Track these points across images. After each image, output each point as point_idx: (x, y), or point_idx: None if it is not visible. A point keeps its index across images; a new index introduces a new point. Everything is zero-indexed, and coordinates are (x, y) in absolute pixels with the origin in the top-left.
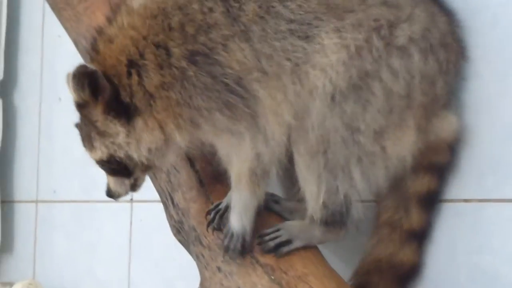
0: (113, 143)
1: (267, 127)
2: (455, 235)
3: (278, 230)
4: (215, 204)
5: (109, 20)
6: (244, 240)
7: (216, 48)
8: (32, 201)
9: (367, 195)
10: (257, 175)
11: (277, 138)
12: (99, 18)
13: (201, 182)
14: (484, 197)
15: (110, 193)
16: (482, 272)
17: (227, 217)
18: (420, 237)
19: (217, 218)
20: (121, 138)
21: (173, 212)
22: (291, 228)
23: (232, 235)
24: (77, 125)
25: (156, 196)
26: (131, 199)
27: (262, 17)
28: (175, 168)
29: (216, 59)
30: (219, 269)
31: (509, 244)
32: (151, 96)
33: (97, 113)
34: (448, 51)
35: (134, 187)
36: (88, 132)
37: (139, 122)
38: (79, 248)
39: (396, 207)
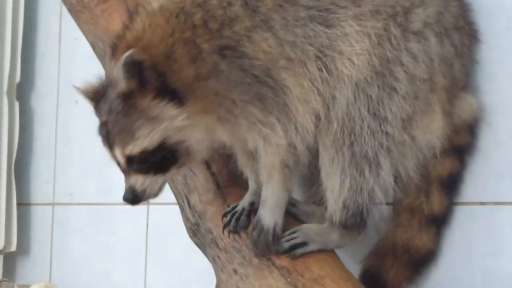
0: (167, 127)
1: (297, 116)
2: (470, 237)
3: (294, 232)
4: (231, 206)
5: (127, 26)
6: (274, 233)
7: (242, 40)
8: (48, 204)
9: (393, 193)
10: (289, 168)
11: (306, 126)
12: (116, 21)
13: (217, 185)
14: (500, 199)
15: (137, 195)
16: (497, 275)
17: (244, 220)
18: (439, 223)
19: (234, 221)
20: (178, 120)
21: (189, 214)
22: (307, 230)
23: (262, 228)
24: (104, 124)
25: (173, 199)
26: (148, 201)
27: (280, 5)
28: (191, 171)
29: (243, 52)
30: (235, 271)
31: None
32: (191, 86)
33: (146, 101)
34: (462, 33)
35: (160, 189)
36: (130, 123)
37: (190, 107)
38: (95, 250)
39: (418, 192)
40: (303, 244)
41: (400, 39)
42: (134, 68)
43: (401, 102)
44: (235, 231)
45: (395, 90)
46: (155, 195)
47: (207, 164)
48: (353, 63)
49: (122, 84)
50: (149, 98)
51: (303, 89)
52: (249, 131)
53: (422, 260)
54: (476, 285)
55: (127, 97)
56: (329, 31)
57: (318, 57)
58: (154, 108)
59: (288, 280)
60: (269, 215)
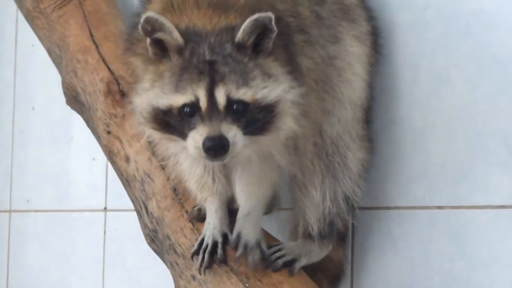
0: (284, 91)
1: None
2: (428, 241)
3: (279, 250)
4: (198, 242)
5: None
6: (261, 250)
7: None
8: (5, 211)
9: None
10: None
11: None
12: (73, 26)
13: (175, 191)
14: (457, 204)
15: (225, 145)
16: (455, 278)
17: (221, 253)
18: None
19: (207, 256)
20: (295, 93)
21: (147, 221)
22: (291, 246)
23: (246, 245)
24: (210, 62)
25: (130, 205)
26: (105, 208)
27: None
28: (149, 177)
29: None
30: (193, 277)
31: (481, 250)
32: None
33: (268, 60)
34: None
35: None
36: (244, 70)
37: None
38: (53, 258)
39: None
40: (294, 261)
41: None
42: (262, 29)
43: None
44: (210, 266)
45: None
46: (231, 156)
47: (164, 170)
48: (354, 83)
49: (245, 36)
50: (271, 59)
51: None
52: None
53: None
54: (436, 287)
55: (243, 47)
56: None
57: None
58: (272, 68)
59: (247, 286)
60: (253, 230)
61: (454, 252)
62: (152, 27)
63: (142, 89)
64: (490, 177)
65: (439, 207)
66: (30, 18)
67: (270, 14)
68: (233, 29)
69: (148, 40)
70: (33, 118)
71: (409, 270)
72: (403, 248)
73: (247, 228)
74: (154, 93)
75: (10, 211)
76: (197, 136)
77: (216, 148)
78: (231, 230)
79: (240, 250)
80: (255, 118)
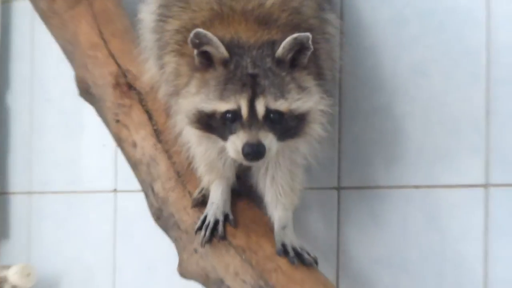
0: (315, 103)
1: None
2: (406, 218)
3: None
4: (201, 220)
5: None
6: (305, 249)
7: None
8: (25, 192)
9: None
10: None
11: None
12: (83, 25)
13: (178, 173)
14: (432, 183)
15: (261, 151)
16: (430, 250)
17: (222, 230)
18: None
19: (209, 233)
20: (325, 104)
21: (153, 200)
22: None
23: (297, 250)
24: (253, 75)
25: (138, 187)
26: (115, 189)
27: None
28: (154, 160)
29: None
30: (195, 250)
31: (453, 225)
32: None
33: (302, 74)
34: None
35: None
36: (281, 83)
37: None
38: (68, 235)
39: None
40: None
41: None
42: (300, 46)
43: None
44: (211, 241)
45: None
46: (266, 159)
47: (168, 154)
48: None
49: (285, 52)
50: (305, 73)
51: None
52: None
53: None
54: (412, 261)
55: (282, 62)
56: None
57: None
58: (306, 81)
59: (243, 257)
60: (294, 238)
61: (429, 226)
62: (200, 41)
63: (188, 92)
64: (462, 159)
65: (416, 187)
66: (45, 18)
67: (308, 34)
68: (273, 44)
69: (195, 51)
70: (49, 108)
71: (389, 244)
72: (383, 224)
73: (289, 238)
74: (200, 98)
75: (30, 193)
76: (237, 141)
77: (254, 153)
78: (232, 211)
79: (292, 254)
80: (289, 126)
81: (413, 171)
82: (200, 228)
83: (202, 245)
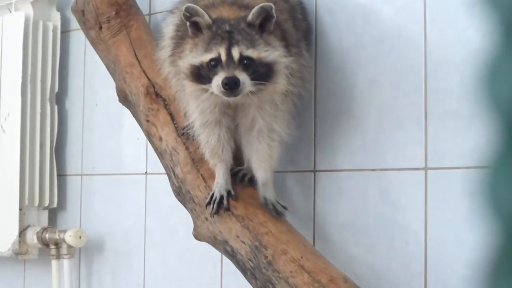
0: (279, 55)
1: None
2: (365, 194)
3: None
4: (210, 195)
5: None
6: (279, 203)
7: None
8: (78, 175)
9: None
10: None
11: None
12: (123, 49)
13: (193, 160)
14: (385, 167)
15: (237, 82)
16: (383, 218)
17: (226, 204)
18: None
19: (216, 205)
20: (287, 59)
21: (174, 180)
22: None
23: (272, 203)
24: (229, 31)
25: (163, 170)
26: (146, 172)
27: None
28: (175, 150)
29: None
30: (206, 219)
31: (401, 199)
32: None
33: (270, 36)
34: None
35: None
36: (252, 38)
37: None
38: (111, 206)
39: None
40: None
41: None
42: (266, 14)
43: None
44: (218, 212)
45: None
46: (242, 93)
47: (186, 146)
48: None
49: (254, 18)
50: (272, 35)
51: None
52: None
53: None
54: (370, 225)
55: (252, 25)
56: None
57: None
58: (272, 40)
59: (243, 224)
60: (272, 193)
61: (383, 200)
62: (190, 13)
63: (184, 55)
64: (407, 148)
65: (373, 170)
66: (94, 44)
67: (271, 4)
68: (246, 17)
69: (187, 23)
70: (97, 111)
71: (353, 213)
72: (348, 199)
73: (269, 193)
74: (191, 56)
75: (81, 175)
76: (218, 78)
77: (230, 83)
78: (233, 187)
79: (270, 206)
80: (259, 70)
81: (370, 158)
82: (209, 203)
83: (212, 215)
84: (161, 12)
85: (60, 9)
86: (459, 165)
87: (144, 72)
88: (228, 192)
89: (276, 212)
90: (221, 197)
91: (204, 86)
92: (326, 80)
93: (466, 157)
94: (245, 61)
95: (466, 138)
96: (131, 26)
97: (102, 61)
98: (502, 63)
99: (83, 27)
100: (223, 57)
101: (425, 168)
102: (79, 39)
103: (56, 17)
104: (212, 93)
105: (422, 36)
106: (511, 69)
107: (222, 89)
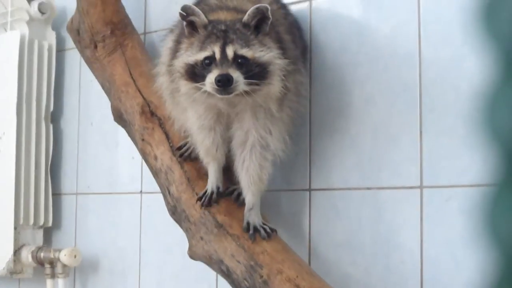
0: (274, 57)
1: None
2: (361, 213)
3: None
4: (201, 193)
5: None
6: (263, 227)
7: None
8: (73, 194)
9: None
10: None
11: None
12: (118, 68)
13: (188, 179)
14: (380, 185)
15: (230, 79)
16: (379, 236)
17: (215, 198)
18: None
19: (207, 199)
20: (281, 60)
21: (169, 199)
22: (256, 215)
23: (255, 229)
24: (224, 30)
25: (158, 189)
26: (141, 191)
27: None
28: (170, 169)
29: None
30: (201, 238)
31: (397, 217)
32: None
33: (265, 37)
34: None
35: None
36: (247, 37)
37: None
38: (105, 226)
39: None
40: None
41: None
42: (261, 15)
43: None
44: (209, 205)
45: None
46: (235, 92)
47: (181, 165)
48: None
49: (249, 19)
50: (267, 37)
51: None
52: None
53: None
54: (366, 244)
55: (247, 26)
56: None
57: None
58: (267, 41)
59: (238, 243)
60: (257, 218)
61: (378, 218)
62: (186, 13)
63: (179, 54)
64: (402, 167)
65: (368, 188)
66: (89, 63)
67: (267, 5)
68: (242, 18)
69: (184, 23)
70: (92, 130)
71: (349, 232)
72: (344, 217)
73: (252, 218)
74: (186, 55)
75: (77, 194)
76: (212, 75)
77: (223, 80)
78: (223, 186)
79: (251, 232)
80: (253, 70)
81: (365, 176)
82: (199, 199)
83: (202, 207)
84: (156, 31)
85: (55, 28)
86: (455, 183)
87: (139, 91)
88: (218, 188)
89: (262, 236)
90: (212, 193)
91: (198, 85)
92: (321, 98)
93: (461, 175)
94: (239, 60)
95: (462, 156)
96: (126, 45)
97: (97, 80)
98: (501, 94)
99: (78, 46)
100: (217, 55)
101: (421, 187)
102: (74, 58)
103: (51, 36)
104: (206, 91)
105: (417, 53)
106: (511, 100)
107: (215, 86)
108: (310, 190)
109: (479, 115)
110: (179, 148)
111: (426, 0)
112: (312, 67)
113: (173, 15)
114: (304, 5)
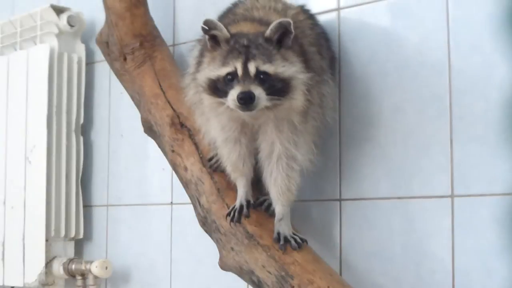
0: (297, 72)
1: None
2: (392, 223)
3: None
4: (231, 208)
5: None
6: (294, 238)
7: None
8: (104, 205)
9: None
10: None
11: None
12: (147, 80)
13: (218, 190)
14: (411, 195)
15: (252, 97)
16: (411, 246)
17: (246, 212)
18: None
19: (237, 214)
20: (305, 76)
21: (200, 210)
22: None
23: (285, 239)
24: (246, 46)
25: (188, 200)
26: (171, 202)
27: None
28: (200, 180)
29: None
30: (232, 249)
31: (428, 226)
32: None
33: (288, 52)
34: None
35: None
36: (269, 53)
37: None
38: (136, 237)
39: None
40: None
41: None
42: (284, 29)
43: None
44: (239, 221)
45: None
46: (257, 108)
47: (211, 176)
48: None
49: (271, 33)
50: (290, 51)
51: None
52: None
53: None
54: (396, 254)
55: (270, 40)
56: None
57: None
58: (290, 56)
59: (269, 254)
60: (287, 228)
61: (409, 228)
62: (209, 27)
63: (202, 68)
64: (433, 175)
65: (399, 198)
66: (118, 75)
67: (289, 20)
68: (265, 32)
69: (206, 37)
70: (122, 142)
71: (379, 242)
72: (375, 227)
73: (282, 228)
74: (209, 69)
75: (107, 206)
76: (234, 92)
77: (245, 98)
78: (253, 197)
79: (282, 242)
80: (275, 86)
81: (396, 186)
82: (228, 214)
83: (234, 223)
84: (185, 42)
85: (84, 41)
86: (486, 192)
87: (169, 102)
88: (248, 202)
89: (290, 247)
90: (241, 207)
91: (220, 100)
92: (350, 107)
93: (492, 183)
94: (261, 76)
95: (492, 164)
96: (155, 57)
97: (127, 92)
98: None
99: (108, 59)
100: (240, 72)
101: (452, 196)
102: (103, 70)
103: (80, 49)
104: (228, 107)
105: (446, 62)
106: None
107: (237, 103)
108: (340, 200)
109: (510, 123)
110: (210, 159)
111: (454, 8)
112: (341, 77)
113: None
114: (333, 15)
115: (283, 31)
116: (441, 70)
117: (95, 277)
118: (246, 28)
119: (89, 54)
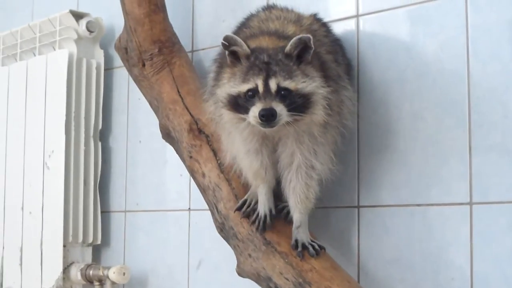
0: (317, 87)
1: None
2: (410, 230)
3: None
4: (241, 201)
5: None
6: (312, 244)
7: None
8: (122, 211)
9: None
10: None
11: None
12: (166, 86)
13: (236, 196)
14: (430, 202)
15: (274, 114)
16: (430, 253)
17: (270, 224)
18: None
19: (262, 225)
20: (324, 90)
21: (217, 217)
22: (304, 233)
23: (303, 246)
24: (267, 62)
25: (206, 206)
26: (189, 208)
27: None
28: (218, 187)
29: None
30: (249, 255)
31: (446, 234)
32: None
33: (308, 66)
34: None
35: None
36: (289, 69)
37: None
38: (154, 243)
39: None
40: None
41: None
42: (304, 45)
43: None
44: (264, 230)
45: None
46: (278, 124)
47: (228, 182)
48: None
49: (292, 49)
50: (310, 66)
51: None
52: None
53: None
54: (415, 261)
55: (290, 56)
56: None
57: None
58: (310, 71)
59: (286, 260)
60: (305, 235)
61: (428, 235)
62: (229, 43)
63: (222, 83)
64: (452, 183)
65: (418, 205)
66: (137, 81)
67: (309, 36)
68: (285, 47)
69: (226, 52)
70: (140, 148)
71: (399, 249)
72: (393, 234)
73: (300, 235)
74: (229, 85)
75: (125, 211)
76: (255, 109)
77: (267, 115)
78: (275, 205)
79: (299, 249)
80: (296, 101)
81: (415, 193)
82: (239, 209)
83: (260, 233)
84: (203, 49)
85: (103, 46)
86: (505, 199)
87: (187, 108)
88: (270, 210)
89: (308, 254)
90: (265, 216)
91: (241, 116)
92: (369, 114)
93: (511, 191)
94: (282, 92)
95: (511, 172)
96: (174, 63)
97: (146, 98)
98: None
99: (126, 65)
100: (261, 88)
101: (470, 203)
102: (122, 76)
103: (99, 55)
104: (249, 122)
105: (465, 69)
106: None
107: (259, 120)
108: (358, 207)
109: None
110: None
111: (474, 16)
112: (359, 84)
113: (221, 32)
114: (351, 21)
115: (303, 47)
116: (460, 78)
117: (113, 283)
118: (264, 42)
119: (108, 60)
